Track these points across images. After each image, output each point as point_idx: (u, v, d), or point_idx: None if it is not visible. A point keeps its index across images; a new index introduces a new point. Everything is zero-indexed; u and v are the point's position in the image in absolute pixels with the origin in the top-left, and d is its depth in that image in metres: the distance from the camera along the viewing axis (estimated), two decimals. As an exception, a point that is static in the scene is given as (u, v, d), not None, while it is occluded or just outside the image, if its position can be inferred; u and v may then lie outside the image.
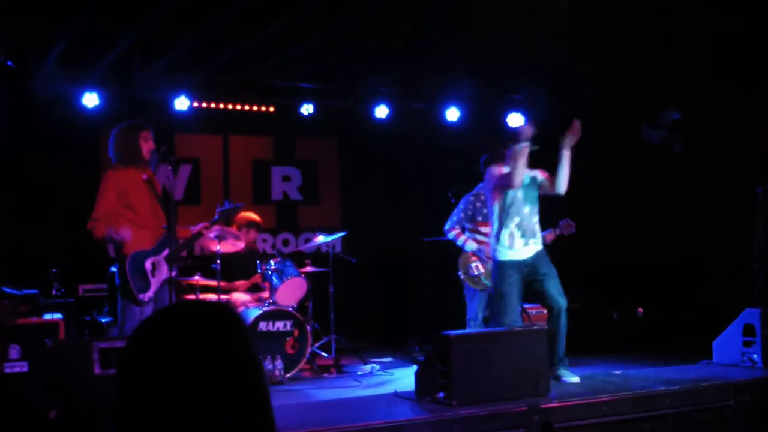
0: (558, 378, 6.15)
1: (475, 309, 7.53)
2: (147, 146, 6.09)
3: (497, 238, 6.39)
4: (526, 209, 6.39)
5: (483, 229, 7.33)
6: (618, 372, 6.82)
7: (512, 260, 6.34)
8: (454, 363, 5.33)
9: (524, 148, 6.22)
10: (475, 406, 5.20)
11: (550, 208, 6.80)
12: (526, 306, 7.84)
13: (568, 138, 6.26)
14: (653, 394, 5.71)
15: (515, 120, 10.09)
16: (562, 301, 6.35)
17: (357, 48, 8.28)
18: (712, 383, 6.01)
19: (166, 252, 5.99)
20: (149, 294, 5.91)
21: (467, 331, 5.62)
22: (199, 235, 6.40)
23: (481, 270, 7.40)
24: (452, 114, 10.11)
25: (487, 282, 7.27)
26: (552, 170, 6.39)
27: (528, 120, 6.31)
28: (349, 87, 9.74)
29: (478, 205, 7.42)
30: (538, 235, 6.50)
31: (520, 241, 6.35)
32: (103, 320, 7.74)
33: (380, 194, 10.32)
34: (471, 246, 7.39)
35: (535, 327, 6.01)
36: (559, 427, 5.22)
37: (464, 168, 10.00)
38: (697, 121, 8.82)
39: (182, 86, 8.87)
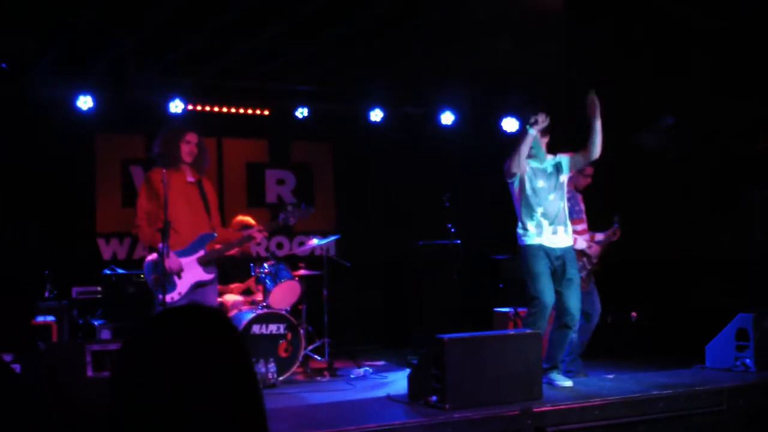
0: (551, 382, 6.14)
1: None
2: (188, 148, 6.05)
3: (523, 227, 6.30)
4: (551, 196, 6.29)
5: (577, 227, 7.23)
6: (611, 376, 6.82)
7: (540, 245, 6.23)
8: (448, 366, 5.32)
9: (529, 135, 6.15)
10: (468, 410, 5.20)
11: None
12: (520, 310, 7.84)
13: (592, 109, 6.17)
14: (646, 399, 5.72)
15: (510, 124, 10.11)
16: (577, 316, 6.31)
17: (352, 52, 8.29)
18: (705, 388, 6.01)
19: (200, 254, 5.97)
20: (173, 296, 5.86)
21: (461, 334, 5.60)
22: (250, 238, 6.36)
23: (588, 268, 7.20)
24: (447, 118, 10.12)
25: (588, 280, 7.17)
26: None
27: (536, 112, 6.19)
28: (344, 91, 9.76)
29: (570, 203, 7.25)
30: (568, 223, 6.40)
31: (549, 229, 6.24)
32: (95, 323, 7.72)
33: (375, 198, 10.33)
34: (581, 244, 7.09)
35: (528, 331, 5.99)
36: (552, 431, 5.22)
37: (459, 172, 10.06)
38: (693, 126, 8.85)
39: (176, 89, 8.86)
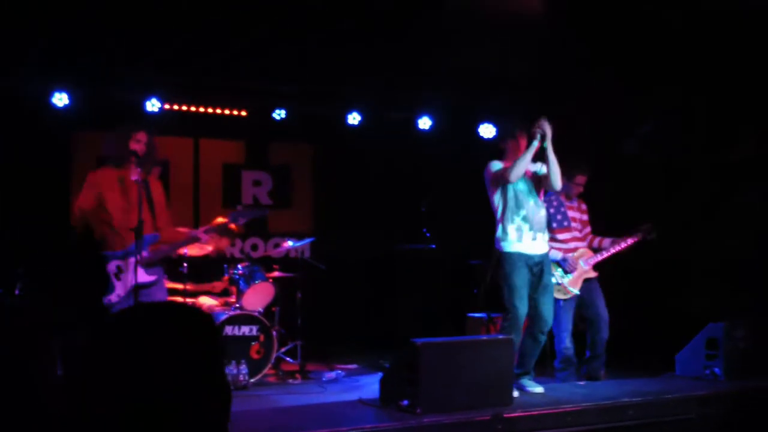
0: (522, 388, 6.16)
1: (569, 319, 7.22)
2: (138, 147, 5.92)
3: (503, 232, 6.29)
4: (531, 202, 6.29)
5: (559, 236, 7.21)
6: (582, 383, 6.86)
7: (520, 252, 6.22)
8: (420, 371, 5.32)
9: (533, 146, 6.13)
10: (439, 415, 5.20)
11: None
12: (494, 315, 7.86)
13: (540, 134, 6.15)
14: (617, 406, 5.75)
15: (487, 130, 10.13)
16: (550, 323, 6.34)
17: (331, 55, 8.28)
18: (674, 396, 6.05)
19: (141, 255, 5.79)
20: (111, 298, 5.77)
21: (433, 339, 5.60)
22: (196, 238, 6.24)
23: (566, 279, 7.19)
24: (425, 123, 10.14)
25: (573, 289, 7.19)
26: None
27: (523, 123, 6.21)
28: (322, 93, 9.74)
29: (551, 211, 7.15)
30: (546, 230, 6.42)
31: (529, 234, 6.23)
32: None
33: (353, 201, 10.31)
34: (556, 255, 7.07)
35: (502, 337, 6.00)
36: (523, 437, 5.24)
37: (436, 176, 10.08)
38: (672, 130, 8.91)
39: (153, 88, 8.82)
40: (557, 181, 6.25)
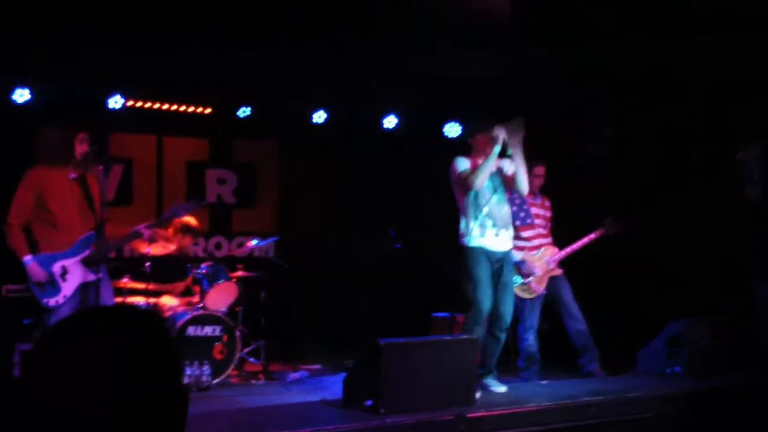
0: (485, 387, 6.18)
1: (535, 317, 7.28)
2: (81, 149, 5.91)
3: (467, 227, 6.30)
4: (495, 199, 6.30)
5: (524, 234, 7.23)
6: (545, 382, 6.90)
7: (483, 247, 6.24)
8: (383, 371, 5.32)
9: (494, 153, 6.15)
10: (402, 415, 5.21)
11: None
12: (458, 315, 7.87)
13: (510, 136, 6.17)
14: (579, 405, 5.80)
15: (452, 129, 10.14)
16: (509, 321, 6.36)
17: (297, 52, 8.24)
18: (635, 395, 6.12)
19: (85, 254, 5.80)
20: (57, 299, 5.70)
21: (396, 339, 5.60)
22: (138, 234, 6.16)
23: (529, 278, 7.20)
24: (390, 121, 10.13)
25: (539, 288, 7.20)
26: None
27: (493, 124, 6.23)
28: (287, 91, 9.68)
29: (514, 209, 7.11)
30: (510, 228, 6.45)
31: (492, 230, 6.25)
32: (26, 321, 7.53)
33: (318, 200, 10.27)
34: (515, 256, 7.03)
35: (465, 336, 6.02)
36: (485, 437, 5.25)
37: (402, 175, 10.07)
38: (636, 132, 8.99)
39: (116, 84, 8.72)
40: (524, 184, 6.29)
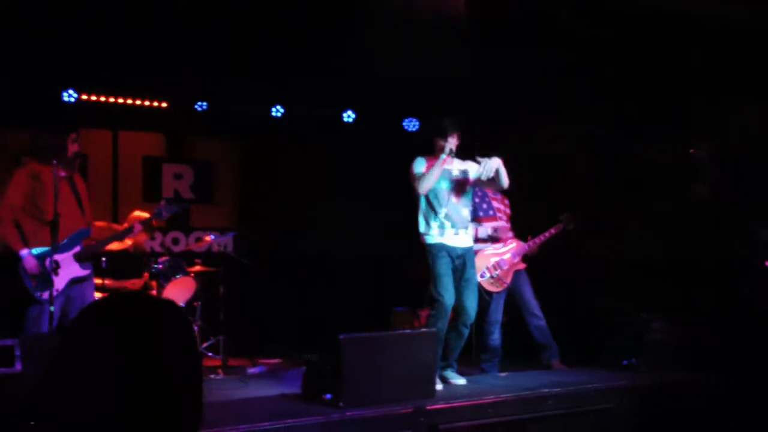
0: (445, 380, 6.20)
1: (500, 312, 7.32)
2: (72, 148, 6.08)
3: (426, 226, 6.32)
4: (453, 200, 6.33)
5: (486, 225, 7.27)
6: (504, 374, 6.94)
7: (442, 243, 6.27)
8: (343, 365, 5.31)
9: (442, 159, 6.20)
10: (362, 408, 5.19)
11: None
12: (419, 309, 7.89)
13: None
14: (537, 396, 5.83)
15: (411, 125, 10.15)
16: (473, 316, 6.38)
17: (255, 48, 8.19)
18: (594, 386, 6.17)
19: (76, 250, 5.92)
20: (49, 292, 5.73)
21: (356, 333, 5.59)
22: (128, 231, 6.28)
23: (498, 272, 7.23)
24: (349, 117, 10.10)
25: (506, 281, 7.22)
26: None
27: (449, 129, 6.26)
28: (246, 86, 9.62)
29: (477, 200, 7.21)
30: (469, 227, 6.47)
31: (451, 231, 6.28)
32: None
33: (277, 195, 10.21)
34: (487, 230, 7.22)
35: (425, 330, 6.03)
36: (445, 429, 5.26)
37: (362, 171, 10.06)
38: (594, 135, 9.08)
39: (70, 78, 8.59)
40: (504, 181, 6.33)
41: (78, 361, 1.44)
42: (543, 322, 7.32)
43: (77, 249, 5.93)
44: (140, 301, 1.54)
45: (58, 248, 5.80)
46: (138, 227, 6.28)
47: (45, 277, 5.79)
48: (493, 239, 7.28)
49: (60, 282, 5.85)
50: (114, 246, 7.21)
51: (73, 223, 6.01)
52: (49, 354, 1.46)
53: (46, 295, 5.75)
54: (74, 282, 5.94)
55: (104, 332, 1.46)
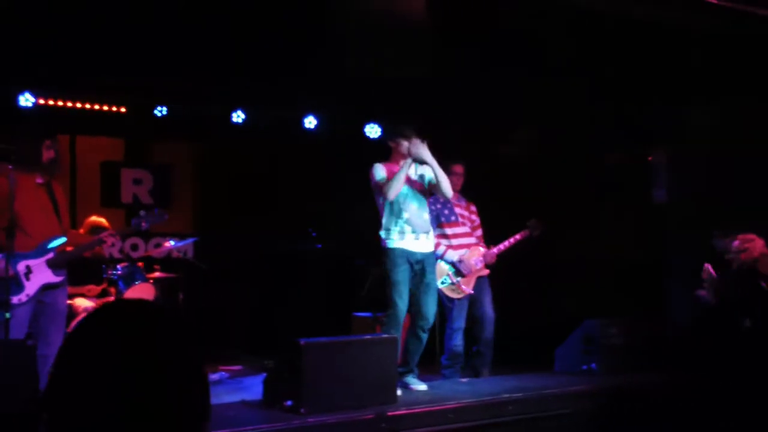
0: (406, 386, 6.20)
1: (463, 319, 7.26)
2: (47, 154, 5.98)
3: (386, 231, 6.31)
4: (414, 205, 6.31)
5: (448, 230, 7.24)
6: (465, 380, 6.96)
7: (403, 248, 6.24)
8: (304, 371, 5.29)
9: (407, 164, 6.18)
10: (323, 414, 5.18)
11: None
12: (379, 315, 7.89)
13: (411, 153, 6.21)
14: (498, 402, 5.85)
15: (373, 130, 10.16)
16: (432, 321, 6.38)
17: (215, 52, 8.14)
18: (553, 391, 6.20)
19: (50, 256, 5.86)
20: (20, 297, 5.71)
21: (317, 339, 5.58)
22: (101, 242, 6.21)
23: (459, 278, 7.20)
24: (310, 122, 10.09)
25: (467, 288, 7.19)
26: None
27: (409, 132, 6.26)
28: (205, 90, 9.56)
29: (438, 206, 7.21)
30: (430, 232, 6.46)
31: (411, 236, 6.26)
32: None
33: (238, 200, 10.17)
34: (452, 256, 7.15)
35: (386, 336, 6.03)
36: (406, 435, 5.27)
37: (323, 175, 10.04)
38: (553, 138, 9.15)
39: (27, 82, 8.47)
40: (446, 189, 6.33)
41: (79, 366, 1.47)
42: (491, 336, 7.32)
43: (50, 255, 5.87)
44: (138, 308, 1.57)
45: (15, 255, 5.72)
46: (110, 240, 6.22)
47: (17, 281, 5.71)
48: (457, 271, 7.25)
49: (31, 288, 5.78)
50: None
51: (49, 230, 5.96)
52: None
53: (15, 299, 5.67)
54: (47, 288, 5.86)
55: (103, 338, 1.49)
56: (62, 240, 5.97)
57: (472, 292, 7.24)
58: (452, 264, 7.17)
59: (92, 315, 1.57)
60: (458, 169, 7.33)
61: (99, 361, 1.48)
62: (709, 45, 7.69)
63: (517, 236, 7.42)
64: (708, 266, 6.74)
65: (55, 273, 5.90)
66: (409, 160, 6.19)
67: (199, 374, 1.60)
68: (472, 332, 7.34)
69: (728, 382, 6.12)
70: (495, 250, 7.40)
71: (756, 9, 7.18)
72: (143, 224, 6.39)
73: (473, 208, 7.56)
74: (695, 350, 6.79)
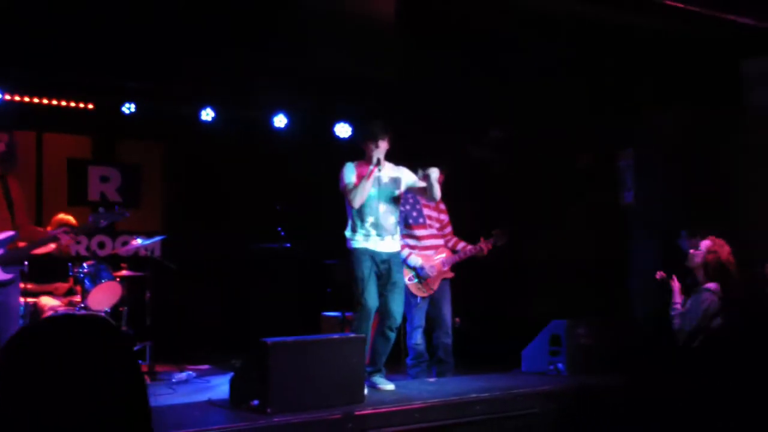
0: (374, 385, 6.21)
1: (422, 317, 7.25)
2: (0, 147, 5.84)
3: (352, 232, 6.31)
4: (382, 208, 6.31)
5: (417, 232, 7.22)
6: (432, 380, 6.98)
7: (367, 248, 6.25)
8: (270, 370, 5.27)
9: (374, 173, 6.20)
10: (289, 414, 5.17)
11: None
12: (348, 314, 7.88)
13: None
14: (465, 401, 5.87)
15: (342, 130, 10.14)
16: (399, 320, 6.39)
17: (184, 50, 8.10)
18: (520, 391, 6.24)
19: (0, 253, 5.71)
20: None
21: (284, 338, 5.56)
22: (55, 238, 6.05)
23: (429, 275, 7.19)
24: (280, 121, 10.05)
25: (433, 287, 7.18)
26: None
27: (379, 133, 6.26)
28: (174, 88, 9.50)
29: (407, 207, 7.19)
30: (396, 234, 6.46)
31: (376, 238, 6.27)
32: None
33: (207, 199, 10.12)
34: (415, 261, 7.13)
35: (353, 335, 6.03)
36: (373, 434, 5.27)
37: (292, 175, 10.02)
38: (521, 140, 9.20)
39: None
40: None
41: (17, 380, 1.45)
42: (449, 340, 7.32)
43: (0, 252, 5.71)
44: (70, 322, 1.55)
45: None
46: (65, 237, 6.09)
47: None
48: (418, 276, 7.24)
49: None
50: (36, 250, 7.04)
51: None
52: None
53: None
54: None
55: (38, 354, 1.46)
56: (13, 236, 5.81)
57: (435, 289, 7.24)
58: (414, 269, 7.18)
59: (18, 336, 1.54)
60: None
61: (34, 372, 1.46)
62: (675, 48, 7.78)
63: (481, 245, 7.33)
64: (662, 273, 6.79)
65: (5, 271, 5.73)
66: (377, 169, 6.20)
67: (137, 383, 1.58)
68: (432, 336, 7.35)
69: (694, 382, 6.18)
70: (462, 255, 7.38)
71: (723, 14, 7.28)
72: (101, 221, 6.28)
73: (442, 206, 7.55)
74: (660, 350, 6.86)
